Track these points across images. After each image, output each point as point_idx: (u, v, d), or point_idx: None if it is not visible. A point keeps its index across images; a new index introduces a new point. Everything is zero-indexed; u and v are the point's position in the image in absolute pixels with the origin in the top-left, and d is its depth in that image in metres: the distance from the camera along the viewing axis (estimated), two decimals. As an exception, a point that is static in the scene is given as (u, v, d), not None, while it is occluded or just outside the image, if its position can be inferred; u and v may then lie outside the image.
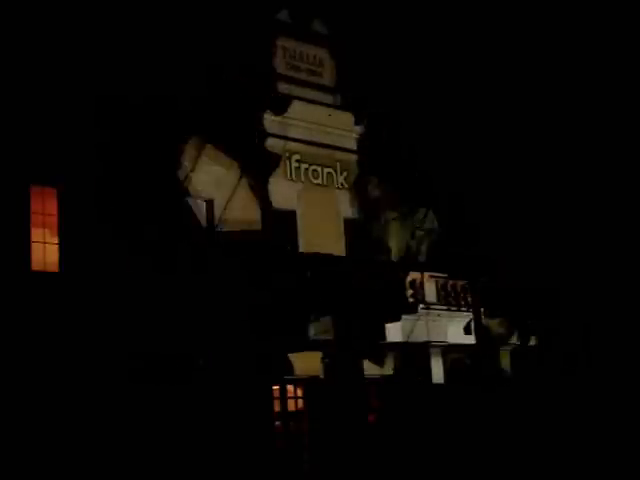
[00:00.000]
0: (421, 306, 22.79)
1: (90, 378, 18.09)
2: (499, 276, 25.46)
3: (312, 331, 20.70)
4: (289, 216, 23.59)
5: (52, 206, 19.15)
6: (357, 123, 25.65)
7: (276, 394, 21.63)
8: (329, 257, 22.72)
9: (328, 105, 25.21)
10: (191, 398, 19.19)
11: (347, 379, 22.17)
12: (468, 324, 24.07)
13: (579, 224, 27.64)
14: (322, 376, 22.15)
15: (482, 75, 28.14)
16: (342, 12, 25.85)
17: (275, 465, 20.43)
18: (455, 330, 23.98)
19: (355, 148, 25.60)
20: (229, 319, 19.61)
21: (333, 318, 21.02)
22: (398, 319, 22.42)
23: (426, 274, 23.18)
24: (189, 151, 21.45)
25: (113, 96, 19.76)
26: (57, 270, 18.88)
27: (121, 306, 18.49)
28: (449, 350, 23.88)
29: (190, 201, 21.46)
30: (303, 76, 25.01)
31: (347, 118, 25.49)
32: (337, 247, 24.11)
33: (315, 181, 24.54)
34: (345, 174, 25.28)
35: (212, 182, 21.89)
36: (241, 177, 22.38)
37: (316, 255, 22.17)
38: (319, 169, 24.68)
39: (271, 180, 23.36)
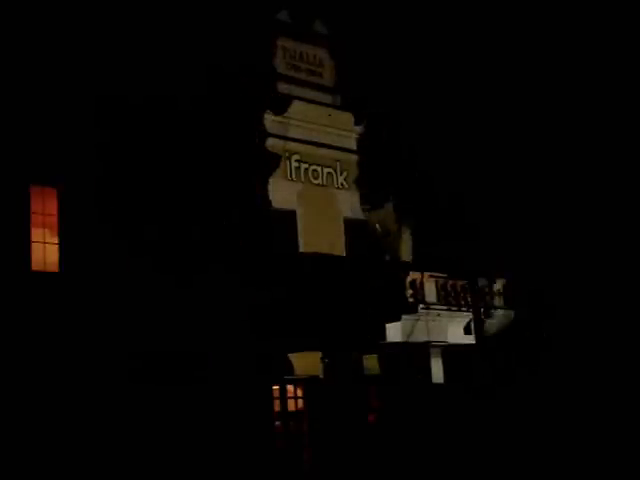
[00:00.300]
0: (421, 306, 22.82)
1: (90, 378, 18.10)
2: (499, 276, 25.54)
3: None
4: (289, 216, 23.60)
5: (52, 206, 19.14)
6: (357, 123, 25.63)
7: (276, 394, 21.65)
8: (329, 257, 22.72)
9: (328, 105, 25.21)
10: (191, 398, 19.18)
11: (347, 379, 22.17)
12: (468, 324, 24.10)
13: (579, 224, 27.64)
14: (322, 376, 22.15)
15: (482, 75, 28.15)
16: (342, 12, 25.85)
17: (275, 465, 20.44)
18: (455, 330, 24.01)
19: (355, 148, 25.58)
20: (229, 319, 19.63)
21: (333, 318, 21.04)
22: (398, 319, 22.44)
23: (426, 274, 23.20)
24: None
25: (113, 96, 19.75)
26: (57, 270, 18.88)
27: (121, 306, 18.50)
28: (449, 350, 23.91)
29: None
30: (303, 76, 25.00)
31: (347, 118, 25.48)
32: (337, 247, 24.13)
33: (315, 181, 24.53)
34: (345, 174, 25.26)
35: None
36: (240, 177, 22.39)
37: (316, 255, 22.18)
38: (319, 169, 24.68)
39: (271, 180, 23.37)
